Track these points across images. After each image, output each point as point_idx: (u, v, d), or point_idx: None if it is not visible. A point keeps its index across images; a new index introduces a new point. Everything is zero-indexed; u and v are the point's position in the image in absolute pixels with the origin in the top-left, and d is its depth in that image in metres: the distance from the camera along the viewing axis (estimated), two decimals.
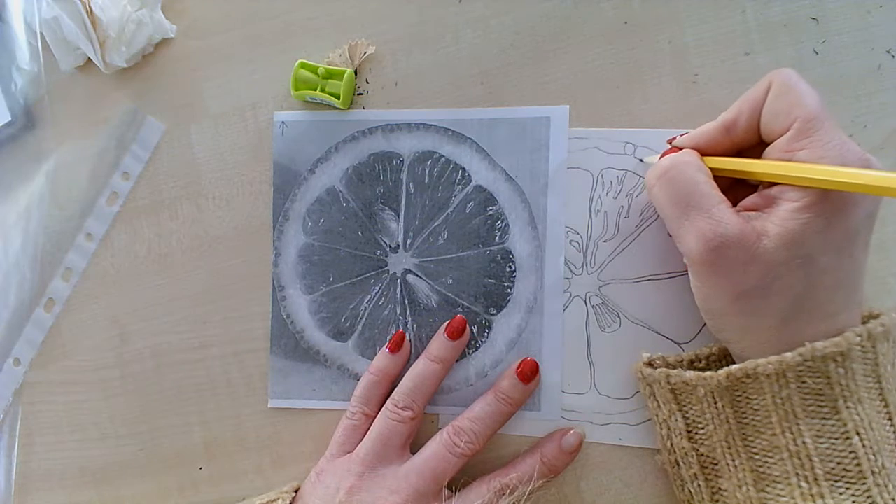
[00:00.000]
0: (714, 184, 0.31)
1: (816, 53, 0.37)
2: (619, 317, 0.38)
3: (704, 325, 0.37)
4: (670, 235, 0.36)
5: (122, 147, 0.43)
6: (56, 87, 0.43)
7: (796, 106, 0.29)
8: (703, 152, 0.33)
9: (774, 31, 0.37)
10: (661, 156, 0.34)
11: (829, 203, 0.28)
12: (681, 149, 0.33)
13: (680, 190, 0.31)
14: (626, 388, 0.38)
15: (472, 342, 0.39)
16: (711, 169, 0.32)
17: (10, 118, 0.43)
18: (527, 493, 0.35)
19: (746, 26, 0.38)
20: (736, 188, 0.33)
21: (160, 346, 0.42)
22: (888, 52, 0.37)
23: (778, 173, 0.29)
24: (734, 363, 0.35)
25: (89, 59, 0.42)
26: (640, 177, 0.38)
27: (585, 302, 0.38)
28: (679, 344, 0.37)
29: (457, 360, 0.39)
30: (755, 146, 0.32)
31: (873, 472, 0.29)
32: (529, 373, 0.37)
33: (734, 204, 0.33)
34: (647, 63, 0.38)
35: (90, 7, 0.40)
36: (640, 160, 0.38)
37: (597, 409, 0.38)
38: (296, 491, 0.39)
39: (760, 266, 0.29)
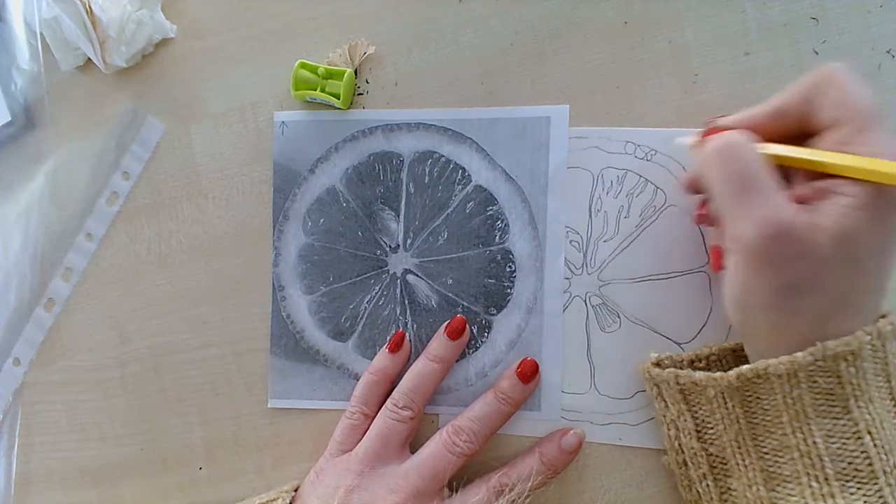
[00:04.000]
0: (771, 168, 0.29)
1: (816, 53, 0.37)
2: (619, 317, 0.38)
3: (704, 325, 0.37)
4: (703, 224, 0.34)
5: (122, 147, 0.43)
6: (56, 86, 0.43)
7: (855, 101, 0.28)
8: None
9: (774, 31, 0.37)
10: (702, 136, 0.32)
11: (883, 203, 0.28)
12: (721, 130, 0.31)
13: (739, 169, 0.29)
14: (626, 388, 0.38)
15: (472, 342, 0.39)
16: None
17: (9, 118, 0.43)
18: (526, 492, 0.35)
19: (746, 26, 0.38)
20: None
21: (160, 346, 0.42)
22: (888, 52, 0.37)
23: (848, 165, 0.28)
24: (734, 363, 0.35)
25: (89, 58, 0.42)
26: (640, 176, 0.38)
27: (585, 302, 0.38)
28: (679, 344, 0.37)
29: (457, 360, 0.39)
30: (794, 136, 0.31)
31: (885, 472, 0.29)
32: (529, 373, 0.37)
33: None
34: (647, 63, 0.38)
35: (90, 7, 0.40)
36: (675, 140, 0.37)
37: (597, 409, 0.38)
38: (295, 490, 0.39)
39: (811, 261, 0.28)
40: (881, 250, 0.29)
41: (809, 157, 0.29)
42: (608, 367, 0.38)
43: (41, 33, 0.42)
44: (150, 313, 0.42)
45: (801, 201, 0.29)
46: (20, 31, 0.43)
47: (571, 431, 0.37)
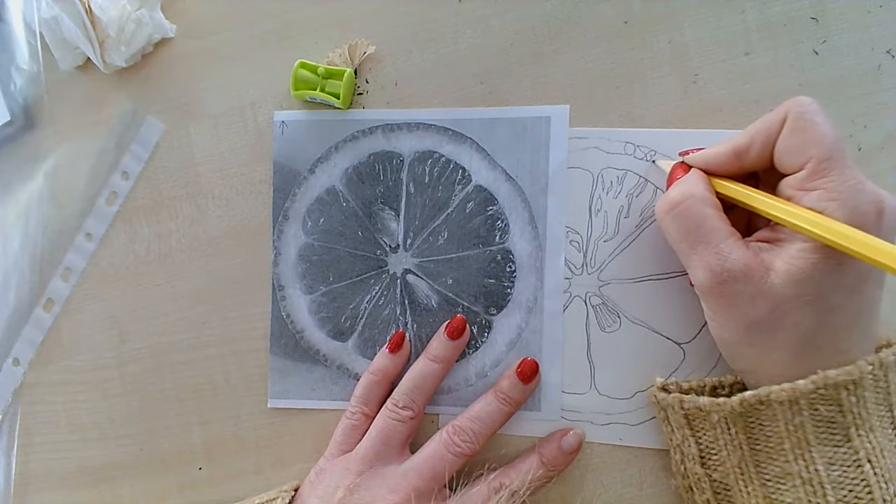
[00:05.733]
0: (723, 216, 0.31)
1: (816, 53, 0.37)
2: (619, 317, 0.38)
3: (704, 325, 0.37)
4: None
5: (121, 147, 0.43)
6: (55, 86, 0.43)
7: (811, 144, 0.28)
8: (714, 173, 0.32)
9: (774, 31, 0.37)
10: (671, 172, 0.34)
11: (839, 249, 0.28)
12: (690, 167, 0.33)
13: (689, 225, 0.31)
14: (626, 388, 0.38)
15: (472, 342, 0.39)
16: (719, 193, 0.32)
17: (9, 118, 0.43)
18: (526, 493, 0.35)
19: (746, 26, 0.38)
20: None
21: (159, 346, 0.42)
22: (888, 52, 0.37)
23: (781, 217, 0.29)
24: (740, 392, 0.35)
25: (89, 58, 0.42)
26: (640, 176, 0.38)
27: (585, 302, 0.38)
28: (679, 344, 0.37)
29: (457, 360, 0.39)
30: (770, 169, 0.31)
31: (885, 501, 0.29)
32: (529, 373, 0.37)
33: (748, 224, 0.33)
34: (647, 63, 0.38)
35: (89, 6, 0.40)
36: (653, 162, 0.38)
37: (597, 409, 0.38)
38: (295, 490, 0.39)
39: (767, 300, 0.29)
40: (847, 289, 0.29)
41: (751, 203, 0.31)
42: (608, 367, 0.38)
43: (40, 33, 0.42)
44: (149, 313, 0.42)
45: (767, 241, 0.30)
46: (19, 30, 0.43)
47: (571, 431, 0.37)
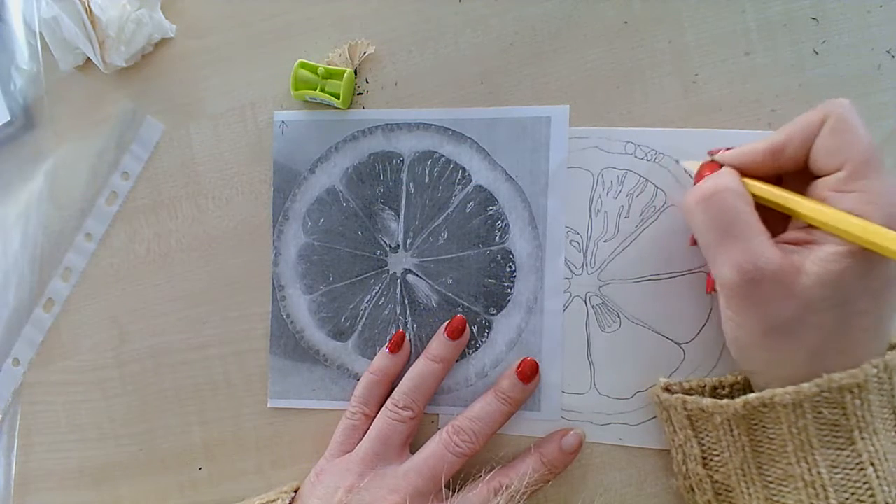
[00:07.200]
0: (755, 213, 0.30)
1: (816, 53, 0.37)
2: (619, 317, 0.38)
3: (704, 325, 0.37)
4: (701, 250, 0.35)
5: (121, 147, 0.43)
6: (55, 86, 0.43)
7: (851, 146, 0.28)
8: (745, 173, 0.32)
9: (774, 31, 0.37)
10: (699, 170, 0.34)
11: (870, 252, 0.28)
12: (721, 165, 0.33)
13: (721, 218, 0.30)
14: (626, 388, 0.38)
15: (472, 342, 0.39)
16: (752, 194, 0.31)
17: (9, 118, 0.43)
18: (526, 493, 0.35)
19: (746, 26, 0.38)
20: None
21: (159, 346, 0.42)
22: (888, 52, 0.37)
23: (821, 220, 0.29)
24: (743, 393, 0.35)
25: (89, 58, 0.42)
26: (640, 176, 0.38)
27: (585, 302, 0.38)
28: (679, 344, 0.37)
29: (457, 360, 0.39)
30: (800, 171, 0.31)
31: None
32: (529, 373, 0.37)
33: (775, 225, 0.33)
34: (647, 63, 0.38)
35: (89, 6, 0.40)
36: (677, 161, 0.37)
37: (597, 409, 0.38)
38: (295, 491, 0.39)
39: (795, 302, 0.29)
40: (874, 293, 0.29)
41: (787, 205, 0.30)
42: (608, 367, 0.38)
43: (40, 33, 0.42)
44: (149, 313, 0.42)
45: (796, 243, 0.30)
46: (20, 30, 0.43)
47: (571, 432, 0.37)
